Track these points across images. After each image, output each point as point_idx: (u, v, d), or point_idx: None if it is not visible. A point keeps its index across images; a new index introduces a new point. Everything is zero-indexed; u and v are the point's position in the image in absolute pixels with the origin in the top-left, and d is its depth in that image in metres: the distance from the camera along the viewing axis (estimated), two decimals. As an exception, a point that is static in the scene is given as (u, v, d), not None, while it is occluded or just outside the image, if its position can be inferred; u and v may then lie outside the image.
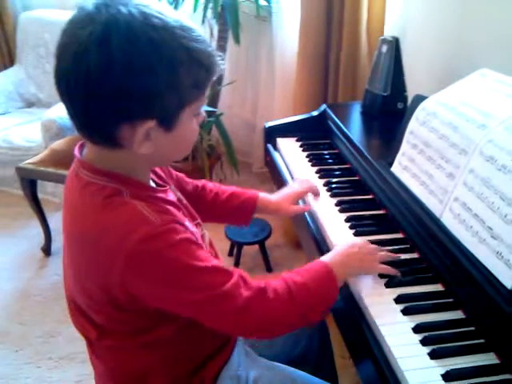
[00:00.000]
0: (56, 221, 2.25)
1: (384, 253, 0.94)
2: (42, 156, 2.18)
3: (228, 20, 2.29)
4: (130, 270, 0.70)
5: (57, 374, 1.68)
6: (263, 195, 1.12)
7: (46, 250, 2.25)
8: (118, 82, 0.66)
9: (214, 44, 2.42)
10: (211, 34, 2.45)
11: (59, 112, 2.35)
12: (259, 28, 2.56)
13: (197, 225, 0.91)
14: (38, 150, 2.38)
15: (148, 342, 0.81)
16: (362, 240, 0.97)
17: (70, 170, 0.81)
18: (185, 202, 0.92)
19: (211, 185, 1.12)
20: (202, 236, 0.92)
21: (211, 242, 0.95)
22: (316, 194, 1.19)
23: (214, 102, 2.51)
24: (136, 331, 0.80)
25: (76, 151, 0.80)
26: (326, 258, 0.88)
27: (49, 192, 2.56)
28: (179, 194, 0.92)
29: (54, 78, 0.70)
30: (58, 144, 2.23)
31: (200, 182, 1.11)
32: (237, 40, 2.30)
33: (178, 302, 0.75)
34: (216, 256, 0.94)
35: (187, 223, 0.79)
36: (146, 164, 0.79)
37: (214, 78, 0.76)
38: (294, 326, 0.84)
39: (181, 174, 1.08)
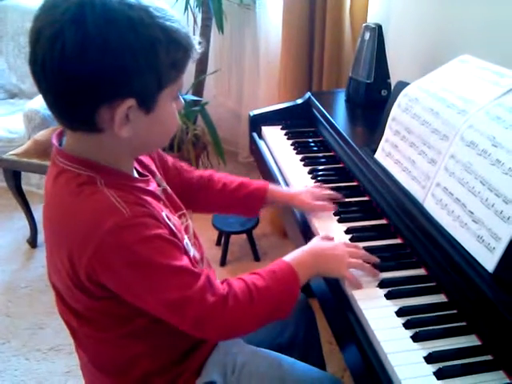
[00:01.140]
0: (41, 212, 2.23)
1: (355, 261, 0.89)
2: (25, 147, 2.15)
3: (211, 8, 2.27)
4: (95, 260, 0.70)
5: (45, 366, 1.67)
6: (274, 186, 1.11)
7: (32, 242, 2.23)
8: (96, 61, 0.64)
9: (197, 33, 2.40)
10: (194, 22, 2.43)
11: (42, 102, 2.31)
12: (243, 16, 2.55)
13: (180, 216, 0.90)
14: (21, 141, 2.35)
15: (129, 332, 0.81)
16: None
17: (51, 157, 0.80)
18: (170, 192, 0.91)
19: (219, 174, 1.10)
20: (187, 227, 0.91)
21: (195, 233, 0.95)
22: (336, 197, 1.11)
23: (198, 91, 2.49)
24: (114, 321, 0.79)
25: (53, 139, 0.79)
26: (290, 258, 0.86)
27: (33, 184, 2.54)
28: (165, 184, 0.91)
29: (29, 64, 0.69)
30: (41, 135, 2.20)
31: (207, 172, 1.10)
32: (220, 28, 2.28)
33: (139, 298, 0.74)
34: (199, 248, 0.94)
35: (165, 214, 0.78)
36: (125, 151, 0.78)
37: (193, 61, 0.75)
38: (255, 327, 0.83)
39: (181, 164, 1.07)
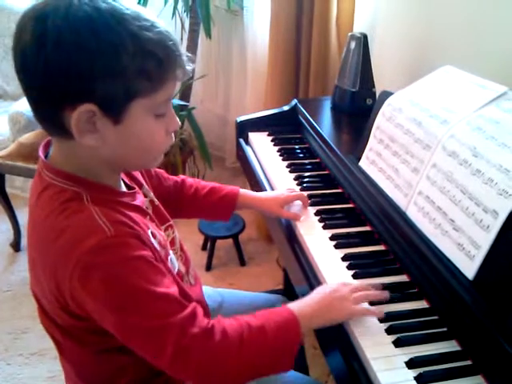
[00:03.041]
0: (25, 216, 2.20)
1: (359, 294, 0.83)
2: (9, 150, 2.13)
3: (199, 14, 2.28)
4: (75, 280, 0.68)
5: (28, 371, 1.66)
6: (245, 191, 1.12)
7: (15, 245, 2.21)
8: (51, 59, 0.64)
9: (185, 38, 2.41)
10: (182, 27, 2.44)
11: (27, 105, 2.30)
12: (231, 22, 2.56)
13: (167, 227, 0.90)
14: (6, 143, 2.33)
15: (113, 346, 0.77)
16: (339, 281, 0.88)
17: (37, 169, 0.79)
18: (156, 203, 0.90)
19: (191, 180, 1.11)
20: (173, 239, 0.91)
21: (181, 245, 0.94)
22: (305, 203, 1.14)
23: (185, 95, 2.50)
24: (98, 337, 0.76)
25: (40, 151, 0.78)
26: (294, 306, 0.79)
27: (17, 186, 2.52)
28: (152, 194, 0.91)
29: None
30: (26, 137, 2.18)
31: (179, 178, 1.10)
32: (208, 34, 2.29)
33: (116, 322, 0.70)
34: (186, 260, 0.93)
35: (151, 232, 0.76)
36: (103, 164, 0.75)
37: (179, 80, 0.72)
38: (237, 377, 0.73)
39: (160, 170, 1.07)
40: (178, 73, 0.72)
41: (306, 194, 1.19)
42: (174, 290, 0.72)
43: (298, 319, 0.76)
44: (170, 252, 0.84)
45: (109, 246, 0.68)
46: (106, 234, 0.68)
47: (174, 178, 1.10)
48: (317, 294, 0.83)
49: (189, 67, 0.73)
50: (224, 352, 0.71)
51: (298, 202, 1.14)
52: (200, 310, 0.73)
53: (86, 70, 0.64)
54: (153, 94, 0.70)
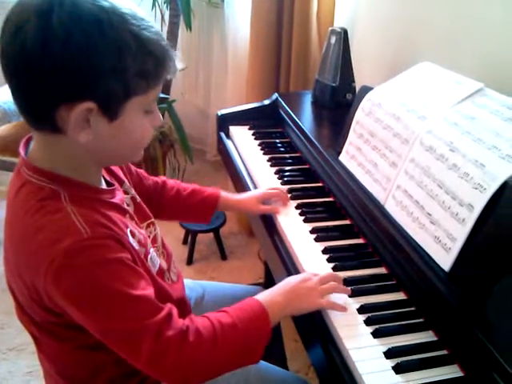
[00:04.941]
0: (3, 210, 2.17)
1: (326, 286, 0.85)
2: (-15, 143, 2.09)
3: (179, 5, 2.26)
4: (49, 281, 0.67)
5: (6, 366, 1.64)
6: (225, 193, 1.13)
7: (-8, 240, 2.17)
8: (55, 56, 0.63)
9: (164, 30, 2.39)
10: (162, 19, 2.42)
11: (3, 96, 2.25)
12: (211, 14, 2.55)
13: (149, 225, 0.90)
14: (-18, 136, 2.28)
15: (92, 343, 0.75)
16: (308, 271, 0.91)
17: (16, 165, 0.77)
18: (138, 200, 0.90)
19: (172, 182, 1.11)
20: (155, 236, 0.90)
21: (163, 243, 0.94)
22: (284, 200, 1.15)
23: (166, 88, 2.48)
24: (76, 332, 0.75)
25: (21, 148, 0.76)
26: (263, 297, 0.81)
27: (-7, 180, 2.47)
28: (133, 191, 0.90)
29: None
30: (3, 130, 2.14)
31: (160, 179, 1.10)
32: (188, 26, 2.28)
33: (90, 324, 0.70)
34: (168, 257, 0.93)
35: (129, 230, 0.76)
36: (90, 159, 0.75)
37: (170, 77, 0.74)
38: (213, 373, 0.76)
39: (140, 170, 1.06)
40: (170, 71, 0.73)
41: (286, 187, 1.20)
42: (150, 291, 0.72)
43: (267, 311, 0.78)
44: (151, 250, 0.84)
45: (84, 248, 0.67)
46: (82, 236, 0.67)
47: (155, 178, 1.09)
48: (286, 283, 0.85)
49: (178, 65, 0.74)
50: (198, 352, 0.72)
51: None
52: (175, 311, 0.74)
53: (90, 68, 0.64)
54: (148, 92, 0.71)
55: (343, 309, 0.84)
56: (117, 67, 0.66)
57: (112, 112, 0.69)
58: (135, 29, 0.67)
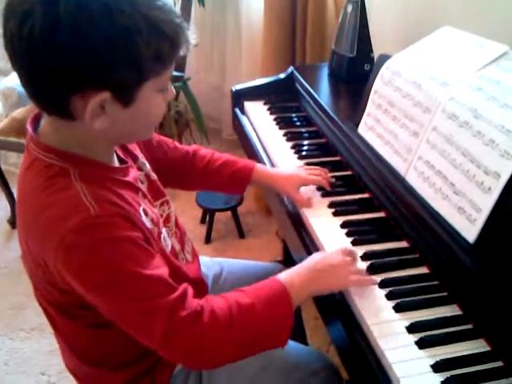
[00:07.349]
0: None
1: (354, 269, 0.82)
2: (2, 125, 2.10)
3: (192, -19, 2.22)
4: (59, 260, 0.66)
5: (29, 345, 1.67)
6: (261, 166, 1.07)
7: (13, 222, 2.20)
8: (64, 46, 0.60)
9: (178, 7, 2.35)
10: (175, -5, 2.38)
11: (18, 80, 2.26)
12: (224, -11, 2.50)
13: (163, 203, 0.88)
14: (-1, 119, 2.30)
15: (106, 322, 0.74)
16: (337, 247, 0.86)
17: (25, 142, 0.76)
18: (152, 177, 0.88)
19: (204, 151, 1.07)
20: (168, 216, 0.88)
21: (177, 222, 0.92)
22: (326, 187, 1.06)
23: (180, 66, 2.45)
24: (90, 312, 0.74)
25: (28, 125, 0.75)
26: (285, 276, 0.77)
27: (11, 163, 2.48)
28: (148, 168, 0.88)
29: (3, 39, 0.64)
30: (19, 112, 2.15)
31: (192, 148, 1.07)
32: (201, 1, 2.23)
33: (101, 304, 0.69)
34: (181, 237, 0.91)
35: (142, 209, 0.74)
36: (104, 140, 0.74)
37: (182, 53, 0.70)
38: (229, 357, 0.73)
39: (165, 139, 1.03)
40: (184, 48, 0.70)
41: (303, 162, 1.17)
42: (163, 271, 0.70)
43: (289, 291, 0.74)
44: (163, 230, 0.82)
45: (92, 226, 0.65)
46: (89, 213, 0.65)
47: (186, 147, 1.06)
48: (310, 261, 0.82)
49: (192, 41, 0.72)
50: (213, 333, 0.69)
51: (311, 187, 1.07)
52: (190, 291, 0.72)
53: (100, 57, 0.62)
54: (162, 73, 0.69)
55: (371, 281, 0.81)
56: (130, 54, 0.63)
57: (127, 98, 0.67)
58: (145, 10, 0.63)
